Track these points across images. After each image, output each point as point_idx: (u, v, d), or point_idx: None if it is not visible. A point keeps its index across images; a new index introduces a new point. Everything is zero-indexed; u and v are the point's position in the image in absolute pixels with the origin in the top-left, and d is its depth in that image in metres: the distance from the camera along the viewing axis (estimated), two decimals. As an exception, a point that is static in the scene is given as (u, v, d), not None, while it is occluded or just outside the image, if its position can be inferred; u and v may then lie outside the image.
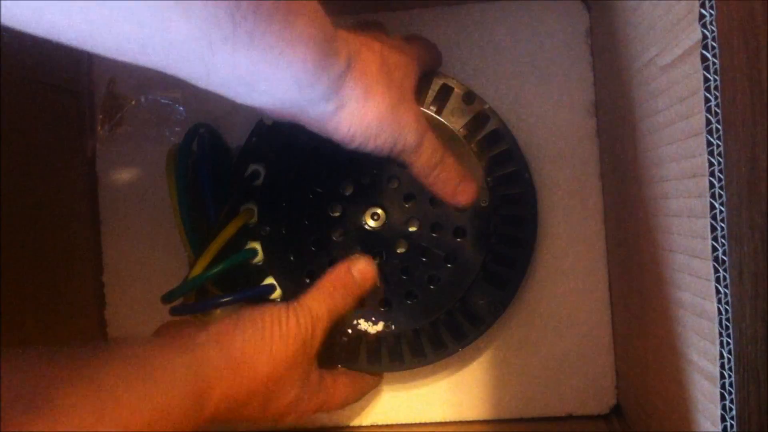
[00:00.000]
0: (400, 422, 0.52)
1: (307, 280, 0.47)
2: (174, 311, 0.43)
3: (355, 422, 0.52)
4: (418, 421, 0.52)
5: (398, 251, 0.47)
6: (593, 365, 0.51)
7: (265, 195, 0.46)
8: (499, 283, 0.46)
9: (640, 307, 0.41)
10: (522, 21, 0.52)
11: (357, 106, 0.34)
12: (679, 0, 0.29)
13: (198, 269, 0.42)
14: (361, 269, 0.43)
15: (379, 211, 0.47)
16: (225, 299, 0.45)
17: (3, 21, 0.21)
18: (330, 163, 0.47)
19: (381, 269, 0.46)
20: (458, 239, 0.46)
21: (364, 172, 0.47)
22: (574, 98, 0.51)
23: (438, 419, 0.52)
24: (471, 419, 0.52)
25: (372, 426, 0.52)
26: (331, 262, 0.47)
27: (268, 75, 0.29)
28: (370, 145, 0.36)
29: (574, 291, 0.51)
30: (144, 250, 0.54)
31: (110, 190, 0.55)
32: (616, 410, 0.50)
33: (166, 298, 0.42)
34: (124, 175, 0.54)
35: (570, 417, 0.51)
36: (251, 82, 0.29)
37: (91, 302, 0.54)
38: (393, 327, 0.46)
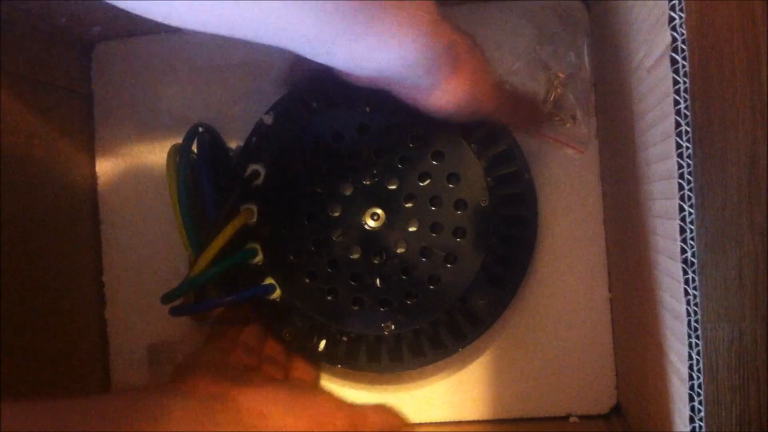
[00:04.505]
0: (399, 422, 0.52)
1: (307, 280, 0.47)
2: (174, 311, 0.43)
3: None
4: (417, 421, 0.52)
5: (398, 251, 0.47)
6: (593, 365, 0.51)
7: (265, 195, 0.47)
8: (499, 283, 0.46)
9: (638, 308, 0.41)
10: (522, 21, 0.52)
11: (452, 86, 0.38)
12: (657, 0, 0.29)
13: (198, 268, 0.42)
14: None
15: (379, 211, 0.47)
16: (225, 299, 0.45)
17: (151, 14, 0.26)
18: (330, 163, 0.47)
19: (381, 269, 0.46)
20: (458, 239, 0.46)
21: (364, 172, 0.47)
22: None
23: (438, 419, 0.52)
24: (471, 419, 0.52)
25: (372, 426, 0.52)
26: (331, 263, 0.47)
27: (380, 56, 0.32)
28: (455, 116, 0.40)
29: (574, 291, 0.51)
30: (144, 250, 0.54)
31: (110, 190, 0.55)
32: (616, 410, 0.50)
33: (166, 299, 0.42)
34: (124, 175, 0.54)
35: (570, 417, 0.51)
36: (364, 60, 0.32)
37: (91, 302, 0.54)
38: (393, 327, 0.46)
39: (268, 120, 0.47)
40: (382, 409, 0.44)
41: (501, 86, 0.43)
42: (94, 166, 0.55)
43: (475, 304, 0.46)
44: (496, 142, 0.46)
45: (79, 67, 0.54)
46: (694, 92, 0.40)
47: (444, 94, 0.38)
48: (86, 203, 0.54)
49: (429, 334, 0.46)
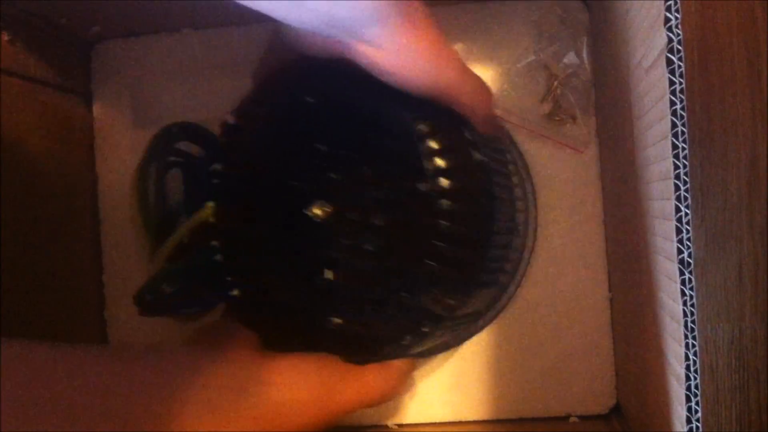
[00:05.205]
0: (398, 422, 0.52)
1: (265, 281, 0.45)
2: (145, 311, 0.43)
3: (354, 422, 0.52)
4: (416, 422, 0.52)
5: (363, 250, 0.45)
6: (593, 365, 0.51)
7: (222, 193, 0.46)
8: (457, 286, 0.43)
9: (637, 308, 0.41)
10: (522, 21, 0.52)
11: (409, 41, 0.35)
12: (654, 0, 0.29)
13: (157, 265, 0.42)
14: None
15: (338, 208, 0.44)
16: (192, 305, 0.45)
17: None
18: (289, 161, 0.46)
19: (345, 271, 0.44)
20: (425, 238, 0.43)
21: (325, 168, 0.45)
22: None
23: (437, 419, 0.52)
24: (470, 419, 0.52)
25: (372, 426, 0.52)
26: (290, 264, 0.45)
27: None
28: (413, 80, 0.37)
29: (574, 291, 0.51)
30: (144, 250, 0.54)
31: (110, 190, 0.55)
32: (616, 410, 0.50)
33: (141, 299, 0.42)
34: (125, 175, 0.54)
35: (570, 417, 0.51)
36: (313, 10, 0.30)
37: (91, 302, 0.54)
38: (341, 321, 0.44)
39: (231, 119, 0.46)
40: (383, 371, 0.42)
41: (462, 61, 0.40)
42: (93, 166, 0.55)
43: (424, 302, 0.43)
44: (460, 128, 0.43)
45: (79, 66, 0.54)
46: (694, 92, 0.40)
47: (401, 51, 0.36)
48: (86, 203, 0.54)
49: (379, 328, 0.44)
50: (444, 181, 0.40)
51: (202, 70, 0.54)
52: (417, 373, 0.51)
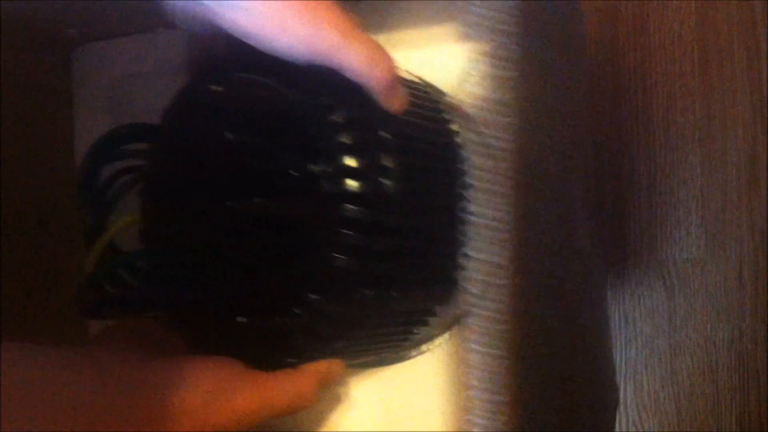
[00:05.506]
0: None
1: (190, 285, 0.43)
2: (87, 313, 0.42)
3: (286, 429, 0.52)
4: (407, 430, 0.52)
5: (267, 242, 0.42)
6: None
7: (148, 194, 0.44)
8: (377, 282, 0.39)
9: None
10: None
11: None
12: None
13: (89, 268, 0.42)
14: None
15: (246, 199, 0.42)
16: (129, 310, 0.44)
17: None
18: (205, 154, 0.44)
19: (248, 267, 0.41)
20: (331, 227, 0.40)
21: (236, 158, 0.43)
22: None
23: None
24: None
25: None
26: (215, 265, 0.43)
27: None
28: (285, 44, 0.34)
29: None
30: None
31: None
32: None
33: (80, 299, 0.42)
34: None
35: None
36: None
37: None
38: (246, 320, 0.41)
39: (159, 120, 0.45)
40: (293, 376, 0.38)
41: (349, 21, 0.36)
42: (74, 167, 0.54)
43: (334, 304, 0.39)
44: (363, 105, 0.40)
45: (59, 69, 0.53)
46: (694, 92, 0.40)
47: (268, 12, 0.33)
48: (67, 204, 0.53)
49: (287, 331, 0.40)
50: (348, 160, 0.35)
51: (182, 70, 0.53)
52: (410, 378, 0.51)
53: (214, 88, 0.39)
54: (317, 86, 0.35)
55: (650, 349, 0.51)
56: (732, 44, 0.47)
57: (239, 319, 0.38)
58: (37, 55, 0.51)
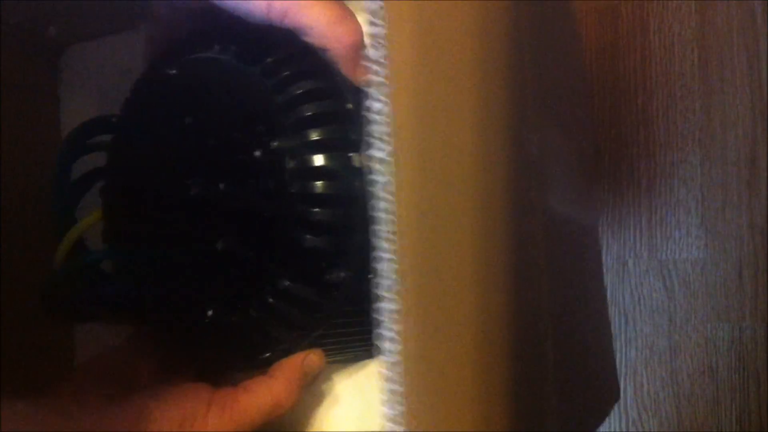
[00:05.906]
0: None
1: (158, 281, 0.42)
2: (55, 315, 0.42)
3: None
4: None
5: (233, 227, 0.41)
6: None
7: (109, 193, 0.42)
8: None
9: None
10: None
11: None
12: None
13: (57, 264, 0.41)
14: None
15: (206, 183, 0.41)
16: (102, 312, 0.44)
17: None
18: (165, 141, 0.42)
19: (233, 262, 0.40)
20: (297, 205, 0.39)
21: (194, 142, 0.42)
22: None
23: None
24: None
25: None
26: (183, 258, 0.41)
27: None
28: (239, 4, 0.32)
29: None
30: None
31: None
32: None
33: (45, 300, 0.41)
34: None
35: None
36: None
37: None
38: (211, 313, 0.40)
39: (116, 119, 0.44)
40: (263, 386, 0.36)
41: None
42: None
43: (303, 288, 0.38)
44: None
45: (45, 70, 0.54)
46: (694, 92, 0.40)
47: None
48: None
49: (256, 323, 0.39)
50: (313, 133, 0.34)
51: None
52: (338, 377, 0.51)
53: (169, 71, 0.36)
54: (277, 59, 0.33)
55: (650, 349, 0.50)
56: (732, 44, 0.47)
57: (209, 312, 0.36)
58: (24, 56, 0.51)
